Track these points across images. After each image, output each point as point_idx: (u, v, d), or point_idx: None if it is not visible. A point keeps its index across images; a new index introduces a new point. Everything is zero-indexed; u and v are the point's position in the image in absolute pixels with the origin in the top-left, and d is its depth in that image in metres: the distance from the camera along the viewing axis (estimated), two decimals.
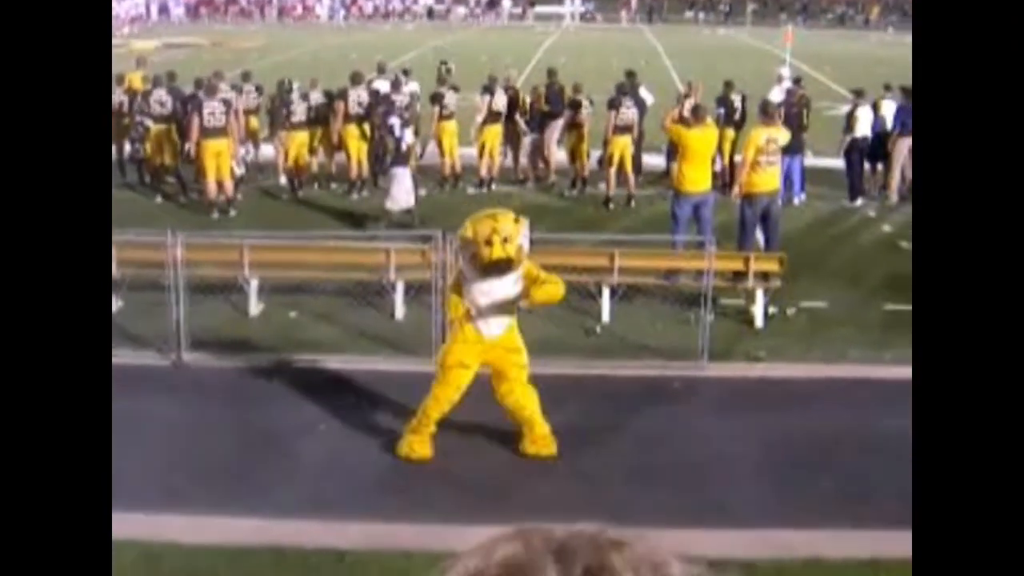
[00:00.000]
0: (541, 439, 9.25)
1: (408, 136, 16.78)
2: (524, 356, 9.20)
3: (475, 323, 8.99)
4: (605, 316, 12.39)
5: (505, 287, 8.82)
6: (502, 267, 8.58)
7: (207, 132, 16.98)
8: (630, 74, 20.07)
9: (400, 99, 18.51)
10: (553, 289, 8.94)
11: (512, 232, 8.55)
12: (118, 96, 19.42)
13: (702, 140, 13.84)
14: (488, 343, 9.03)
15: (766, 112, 14.15)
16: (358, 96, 18.72)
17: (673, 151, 16.18)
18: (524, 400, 9.21)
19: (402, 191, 16.28)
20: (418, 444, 9.21)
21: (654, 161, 20.12)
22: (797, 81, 19.98)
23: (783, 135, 13.94)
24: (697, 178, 13.78)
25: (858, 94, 18.60)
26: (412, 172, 16.69)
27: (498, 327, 9.01)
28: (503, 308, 8.95)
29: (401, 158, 16.49)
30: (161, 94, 18.42)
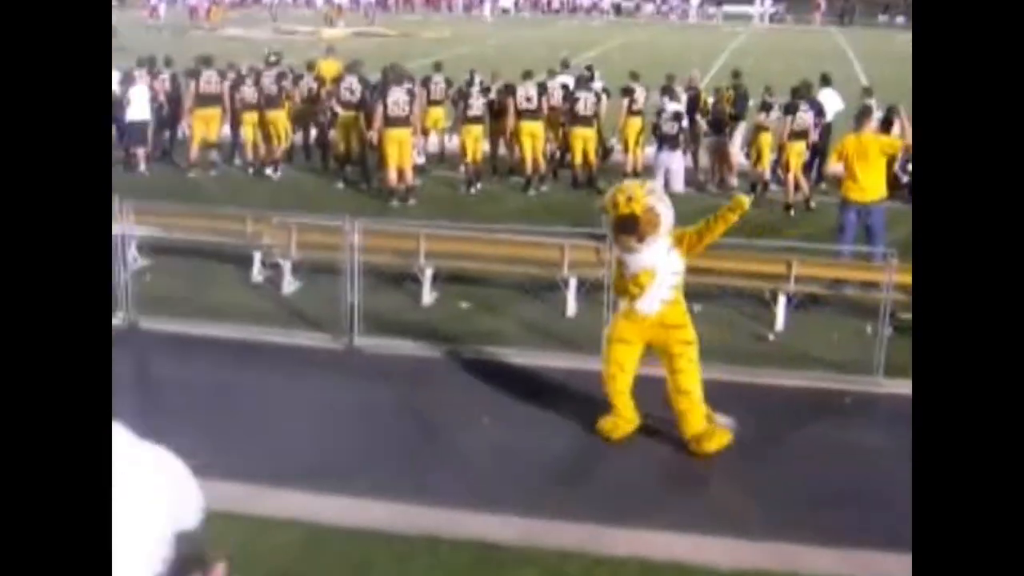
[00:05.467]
0: (695, 439, 9.03)
1: (685, 123, 18.69)
2: (690, 332, 9.07)
3: (633, 302, 8.98)
4: (779, 324, 12.10)
5: (653, 256, 8.81)
6: (629, 224, 8.67)
7: (390, 121, 17.29)
8: (824, 78, 19.69)
9: (586, 95, 18.54)
10: (721, 223, 8.84)
11: (636, 192, 8.72)
12: (308, 82, 20.00)
13: (865, 145, 13.34)
14: (648, 321, 8.99)
15: None
16: (526, 92, 18.75)
17: None
18: (686, 383, 9.02)
19: (682, 171, 18.66)
20: (611, 425, 9.31)
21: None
22: None
23: None
24: (863, 186, 13.32)
25: None
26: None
27: (655, 303, 8.94)
28: (658, 282, 8.88)
29: (676, 142, 18.50)
30: (352, 81, 18.81)
